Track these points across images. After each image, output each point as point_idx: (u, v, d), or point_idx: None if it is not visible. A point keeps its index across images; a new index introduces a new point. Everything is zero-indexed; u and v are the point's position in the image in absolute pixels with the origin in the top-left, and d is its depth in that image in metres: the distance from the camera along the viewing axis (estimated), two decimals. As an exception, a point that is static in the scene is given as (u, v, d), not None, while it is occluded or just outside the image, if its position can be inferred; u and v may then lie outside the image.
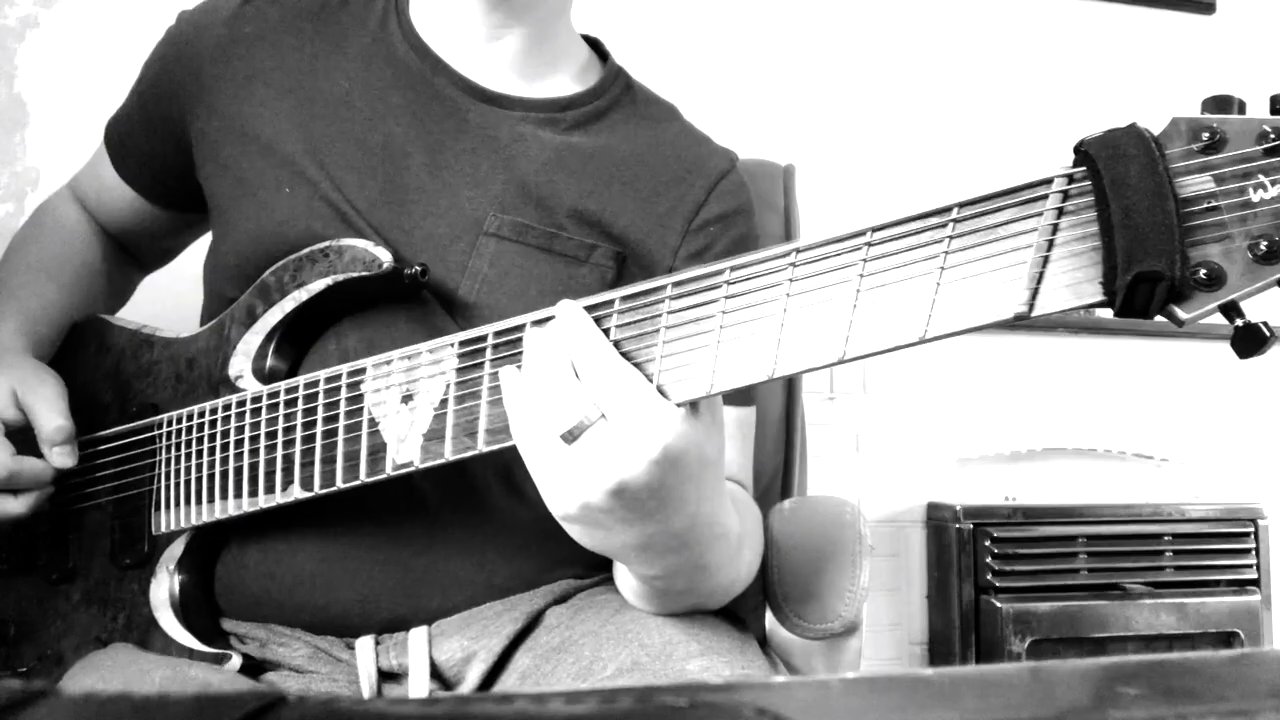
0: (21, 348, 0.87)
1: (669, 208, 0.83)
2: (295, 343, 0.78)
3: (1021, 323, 0.48)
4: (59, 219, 0.99)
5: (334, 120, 0.80)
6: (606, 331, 0.57)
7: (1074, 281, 0.48)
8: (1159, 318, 0.48)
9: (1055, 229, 0.48)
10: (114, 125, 0.94)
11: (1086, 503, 2.18)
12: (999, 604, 2.01)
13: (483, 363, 0.62)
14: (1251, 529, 2.16)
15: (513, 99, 0.83)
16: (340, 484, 0.69)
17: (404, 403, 0.66)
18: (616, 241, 0.81)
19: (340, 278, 0.74)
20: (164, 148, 0.89)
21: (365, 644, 0.75)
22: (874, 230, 0.51)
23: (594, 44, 0.93)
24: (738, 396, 0.81)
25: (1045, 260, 0.48)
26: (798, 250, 0.53)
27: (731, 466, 0.80)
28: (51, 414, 0.81)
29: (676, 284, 0.56)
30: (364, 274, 0.73)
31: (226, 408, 0.75)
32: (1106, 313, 2.46)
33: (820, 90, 2.14)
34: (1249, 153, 0.46)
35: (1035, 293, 0.48)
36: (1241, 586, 2.13)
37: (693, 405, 0.57)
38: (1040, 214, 0.49)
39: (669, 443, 0.54)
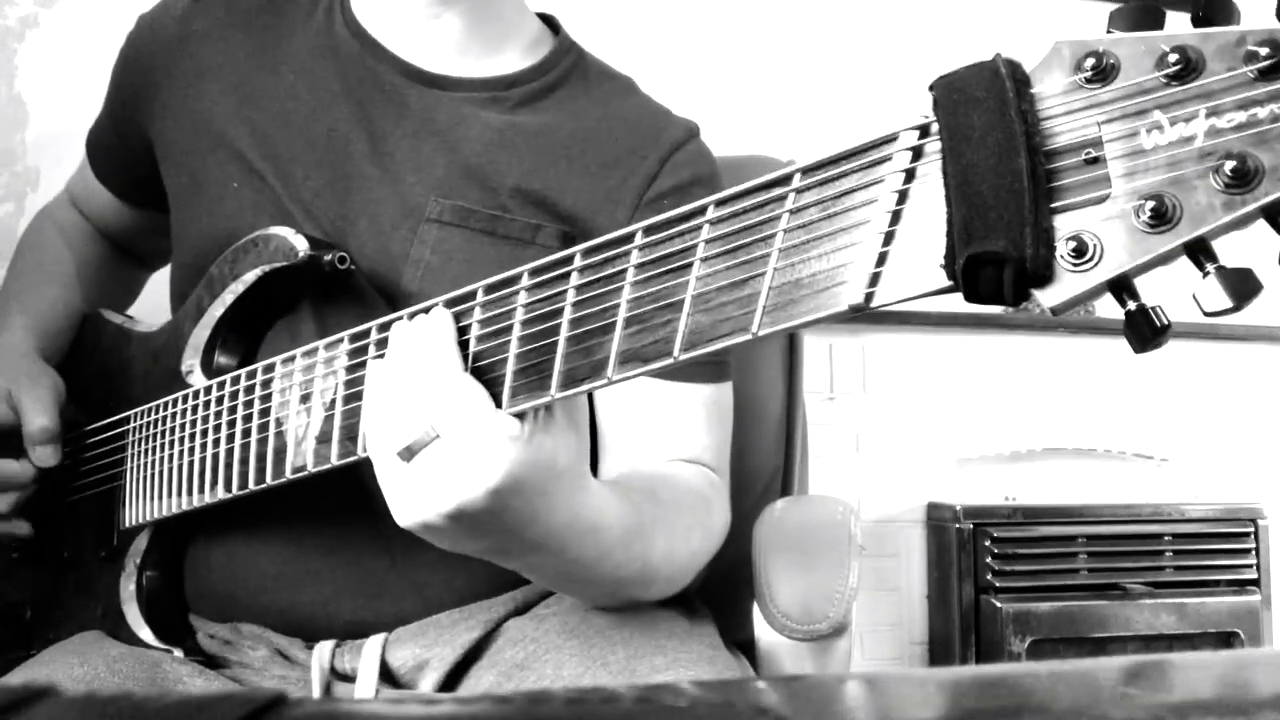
0: (28, 347, 0.88)
1: (619, 182, 0.79)
2: (243, 336, 0.78)
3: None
4: (57, 222, 1.00)
5: (280, 113, 0.80)
6: (467, 329, 0.54)
7: (920, 265, 0.39)
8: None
9: (903, 197, 0.40)
10: (92, 131, 0.96)
11: (1086, 503, 2.18)
12: (999, 604, 2.01)
13: (365, 360, 0.59)
14: (1251, 529, 2.16)
15: (454, 80, 0.81)
16: (252, 486, 0.67)
17: (302, 403, 0.64)
18: (564, 220, 0.78)
19: (266, 268, 0.73)
20: (131, 150, 0.89)
21: (324, 646, 0.75)
22: (716, 204, 0.45)
23: (549, 21, 0.90)
24: (704, 374, 0.78)
25: (889, 237, 0.40)
26: (644, 230, 0.47)
27: (695, 447, 0.77)
28: (36, 414, 0.82)
29: (533, 271, 0.51)
30: (285, 263, 0.72)
31: (173, 404, 0.76)
32: (1106, 312, 2.43)
33: (822, 87, 2.14)
34: (1145, 82, 0.36)
35: (876, 278, 0.40)
36: (1241, 586, 2.13)
37: (547, 410, 0.53)
38: (883, 180, 0.40)
39: (510, 469, 0.51)
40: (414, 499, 0.53)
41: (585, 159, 0.80)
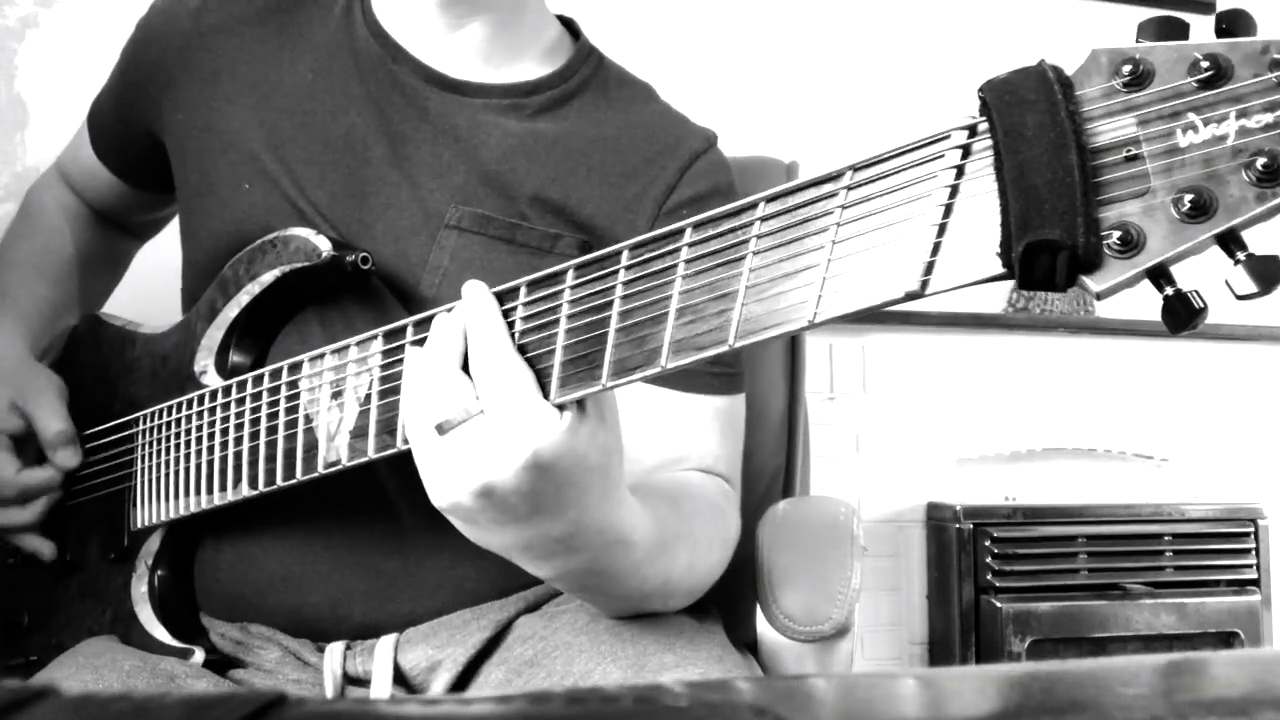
0: (18, 350, 0.87)
1: (638, 192, 0.80)
2: (258, 336, 0.78)
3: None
4: (46, 207, 1.00)
5: (296, 113, 0.79)
6: (512, 323, 0.55)
7: (973, 253, 0.42)
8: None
9: (954, 191, 0.43)
10: (94, 106, 0.95)
11: (1086, 503, 2.18)
12: (999, 604, 2.01)
13: (402, 357, 0.60)
14: (1251, 529, 2.16)
15: (475, 86, 0.80)
16: (280, 482, 0.68)
17: (334, 399, 0.64)
18: (582, 229, 0.78)
19: (286, 268, 0.73)
20: (135, 133, 0.89)
21: (335, 649, 0.75)
22: (767, 201, 0.47)
23: (568, 23, 0.89)
24: (719, 385, 0.79)
25: (942, 228, 0.43)
26: (695, 226, 0.50)
27: (709, 457, 0.78)
28: (51, 417, 0.82)
29: (579, 267, 0.53)
30: (306, 264, 0.72)
31: (189, 404, 0.76)
32: (1106, 312, 2.42)
33: (823, 86, 2.14)
34: (1179, 86, 0.40)
35: (930, 266, 0.43)
36: (1241, 586, 2.14)
37: (580, 406, 0.54)
38: (934, 176, 0.43)
39: (541, 448, 0.52)
40: (446, 474, 0.54)
41: (604, 168, 0.80)
